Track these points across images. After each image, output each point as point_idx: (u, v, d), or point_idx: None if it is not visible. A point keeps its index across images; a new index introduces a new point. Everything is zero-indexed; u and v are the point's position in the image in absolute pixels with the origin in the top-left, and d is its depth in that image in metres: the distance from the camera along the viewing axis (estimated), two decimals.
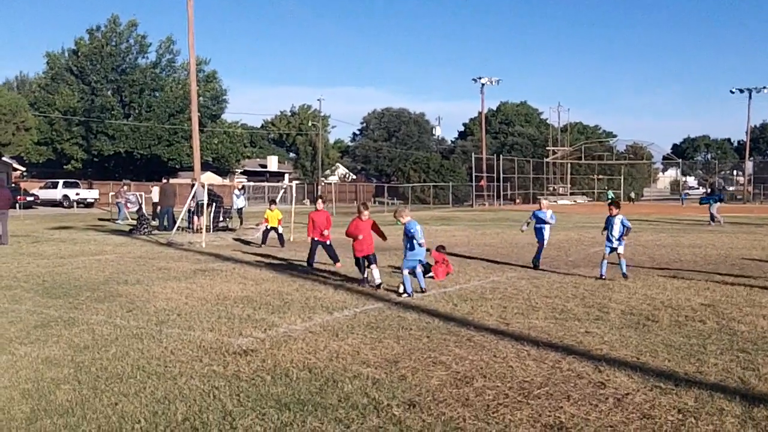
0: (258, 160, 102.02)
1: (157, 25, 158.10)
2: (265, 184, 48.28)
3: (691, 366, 6.95)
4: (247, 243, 21.69)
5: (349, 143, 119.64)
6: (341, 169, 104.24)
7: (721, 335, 8.37)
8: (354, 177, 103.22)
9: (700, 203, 34.63)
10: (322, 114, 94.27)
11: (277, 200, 22.41)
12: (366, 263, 12.22)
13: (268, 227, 20.41)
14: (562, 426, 5.31)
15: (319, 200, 16.14)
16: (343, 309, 10.05)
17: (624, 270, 13.25)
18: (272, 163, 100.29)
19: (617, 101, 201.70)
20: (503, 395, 6.03)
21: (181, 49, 75.38)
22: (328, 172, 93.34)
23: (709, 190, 36.08)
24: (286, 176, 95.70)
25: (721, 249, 18.38)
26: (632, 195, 76.55)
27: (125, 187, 37.71)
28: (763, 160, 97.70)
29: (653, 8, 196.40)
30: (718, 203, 30.92)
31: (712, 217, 29.88)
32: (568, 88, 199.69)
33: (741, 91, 78.93)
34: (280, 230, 20.58)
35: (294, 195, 27.18)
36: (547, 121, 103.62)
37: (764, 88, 78.44)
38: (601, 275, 13.07)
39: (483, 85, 74.46)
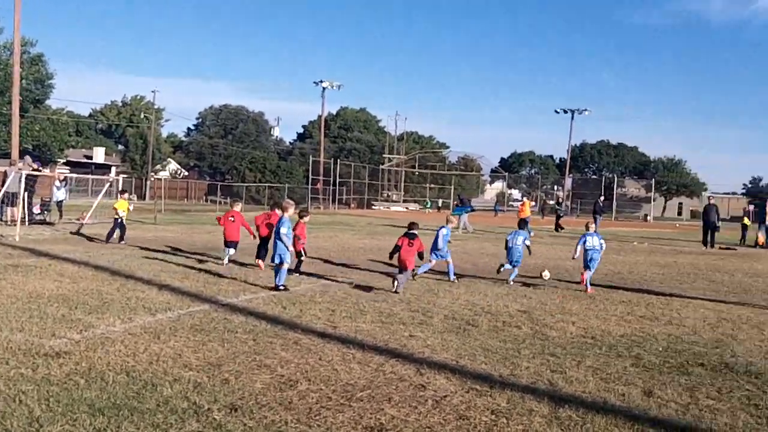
0: (83, 150, 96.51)
1: None
2: (90, 176, 45.72)
3: (505, 369, 7.32)
4: (90, 239, 20.64)
5: (183, 138, 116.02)
6: (173, 165, 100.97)
7: (535, 340, 8.88)
8: (186, 173, 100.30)
9: (452, 213, 37.26)
10: (156, 106, 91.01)
11: (101, 195, 21.46)
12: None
13: (121, 218, 19.94)
14: (382, 428, 5.42)
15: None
16: (167, 310, 9.72)
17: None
18: (99, 155, 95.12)
19: (452, 113, 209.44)
20: (326, 398, 6.07)
21: (4, 27, 69.45)
22: (158, 167, 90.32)
23: (458, 202, 38.86)
24: (113, 169, 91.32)
25: (539, 259, 19.48)
26: (440, 204, 77.32)
27: None
28: (581, 177, 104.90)
29: (489, 27, 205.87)
30: (467, 214, 33.81)
31: (464, 226, 32.50)
32: (407, 97, 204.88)
33: (565, 111, 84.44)
34: (121, 219, 20.03)
35: (119, 189, 25.95)
36: (385, 129, 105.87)
37: (585, 110, 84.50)
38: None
39: (324, 88, 74.86)
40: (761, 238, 30.88)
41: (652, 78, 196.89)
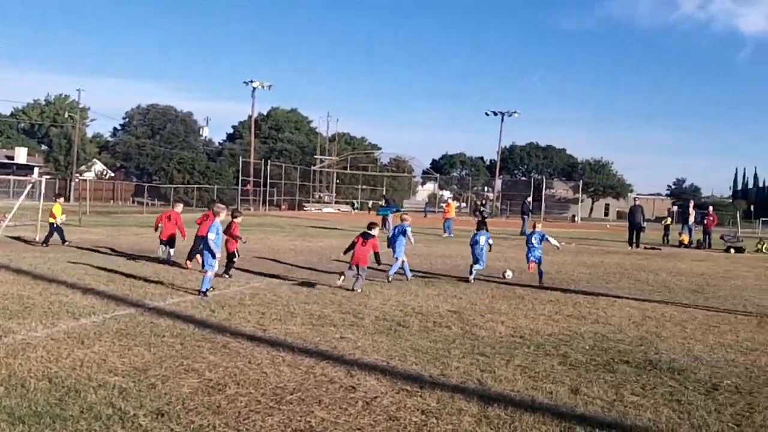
0: (5, 150, 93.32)
1: None
2: (11, 177, 44.14)
3: (435, 369, 7.37)
4: (28, 242, 20.02)
5: (109, 138, 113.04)
6: (98, 166, 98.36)
7: (465, 340, 8.96)
8: (112, 174, 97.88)
9: (377, 214, 37.84)
10: (80, 105, 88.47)
11: (23, 196, 20.98)
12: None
13: (57, 223, 20.07)
14: (312, 430, 5.39)
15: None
16: (91, 315, 9.46)
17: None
18: (21, 155, 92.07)
19: (384, 115, 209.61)
20: (255, 402, 5.99)
21: None
22: (83, 167, 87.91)
23: (384, 203, 39.33)
24: (36, 170, 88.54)
25: (469, 259, 19.68)
26: (370, 205, 77.73)
27: None
28: (510, 179, 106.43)
29: (421, 30, 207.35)
30: (392, 214, 34.27)
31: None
32: (338, 98, 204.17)
33: (495, 113, 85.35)
34: (57, 224, 20.08)
35: (43, 191, 25.10)
36: (317, 130, 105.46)
37: (515, 112, 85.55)
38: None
39: (254, 88, 73.96)
40: (685, 238, 32.02)
41: (581, 81, 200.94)
